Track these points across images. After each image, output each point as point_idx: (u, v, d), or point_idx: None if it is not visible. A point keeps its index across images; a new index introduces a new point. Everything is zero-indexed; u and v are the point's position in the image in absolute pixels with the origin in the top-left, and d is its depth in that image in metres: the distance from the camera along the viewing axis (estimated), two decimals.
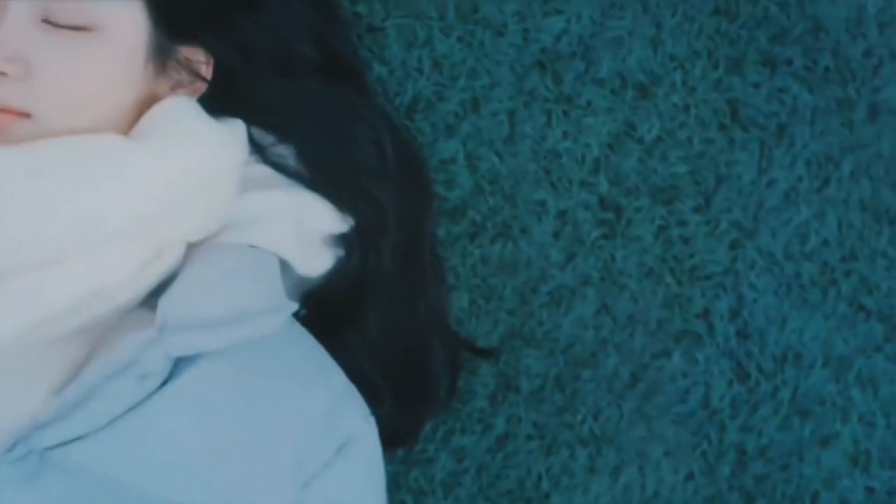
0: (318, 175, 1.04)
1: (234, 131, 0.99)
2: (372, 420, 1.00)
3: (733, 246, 1.16)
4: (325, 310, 1.07)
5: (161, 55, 0.97)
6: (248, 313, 0.92)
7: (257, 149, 1.02)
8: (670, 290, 1.15)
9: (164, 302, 0.91)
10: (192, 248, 0.97)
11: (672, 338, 1.15)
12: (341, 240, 1.05)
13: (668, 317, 1.15)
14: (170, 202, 0.93)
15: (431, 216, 1.11)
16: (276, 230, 1.00)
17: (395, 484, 1.12)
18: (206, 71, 1.00)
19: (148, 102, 0.98)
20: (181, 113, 0.96)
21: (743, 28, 1.16)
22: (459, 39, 1.14)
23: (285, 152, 1.03)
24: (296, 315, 1.00)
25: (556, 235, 1.15)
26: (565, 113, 1.15)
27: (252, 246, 0.99)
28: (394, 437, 1.07)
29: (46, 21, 0.93)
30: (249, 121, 1.02)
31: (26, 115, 0.92)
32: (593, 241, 1.15)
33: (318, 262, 1.03)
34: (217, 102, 1.01)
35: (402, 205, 1.08)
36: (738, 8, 1.16)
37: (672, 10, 1.16)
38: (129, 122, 0.97)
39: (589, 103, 1.15)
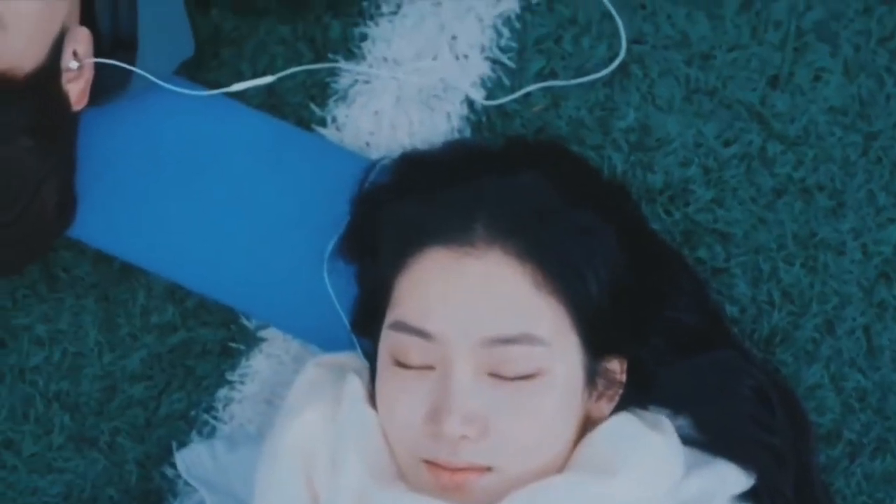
0: (718, 438, 1.05)
1: (670, 432, 1.00)
2: None
3: None
4: None
5: (591, 377, 0.98)
6: None
7: None
8: None
9: None
10: None
11: None
12: (747, 496, 1.06)
13: None
14: None
15: (813, 446, 1.13)
16: None
17: None
18: (622, 375, 1.01)
19: (581, 424, 0.99)
20: (629, 437, 0.97)
21: None
22: (803, 266, 1.15)
23: (680, 422, 1.05)
24: None
25: None
26: None
27: None
28: None
29: (493, 375, 0.94)
30: (649, 402, 1.04)
31: (487, 469, 0.94)
32: None
33: None
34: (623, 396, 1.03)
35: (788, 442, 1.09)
36: None
37: None
38: (571, 450, 0.98)
39: None
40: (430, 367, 0.95)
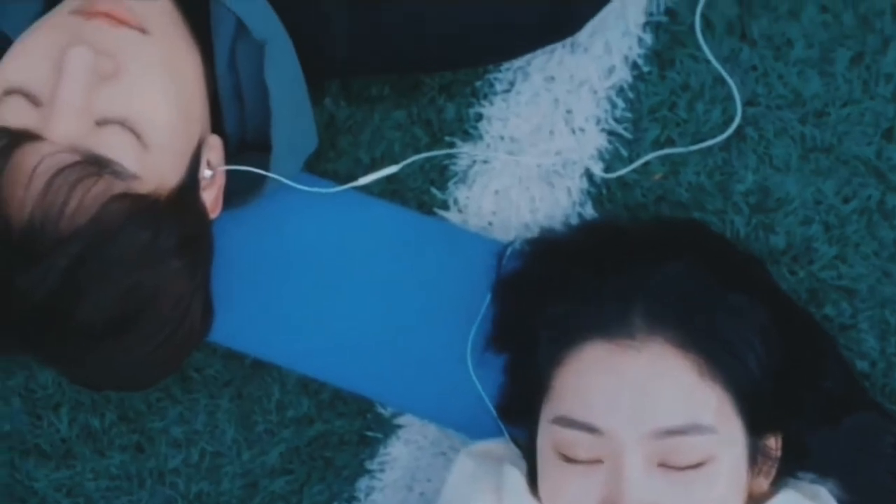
0: (867, 499, 1.06)
1: (831, 502, 1.01)
2: None
3: None
4: None
5: (753, 456, 0.98)
6: None
7: None
8: None
9: None
10: None
11: None
12: None
13: None
14: None
15: None
16: None
17: None
18: (777, 451, 1.01)
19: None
20: None
21: None
22: None
23: (828, 485, 1.06)
24: None
25: None
26: None
27: None
28: None
29: (663, 465, 0.94)
30: (799, 470, 1.05)
31: None
32: None
33: None
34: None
35: None
36: None
37: None
38: None
39: None
40: (598, 461, 0.95)
